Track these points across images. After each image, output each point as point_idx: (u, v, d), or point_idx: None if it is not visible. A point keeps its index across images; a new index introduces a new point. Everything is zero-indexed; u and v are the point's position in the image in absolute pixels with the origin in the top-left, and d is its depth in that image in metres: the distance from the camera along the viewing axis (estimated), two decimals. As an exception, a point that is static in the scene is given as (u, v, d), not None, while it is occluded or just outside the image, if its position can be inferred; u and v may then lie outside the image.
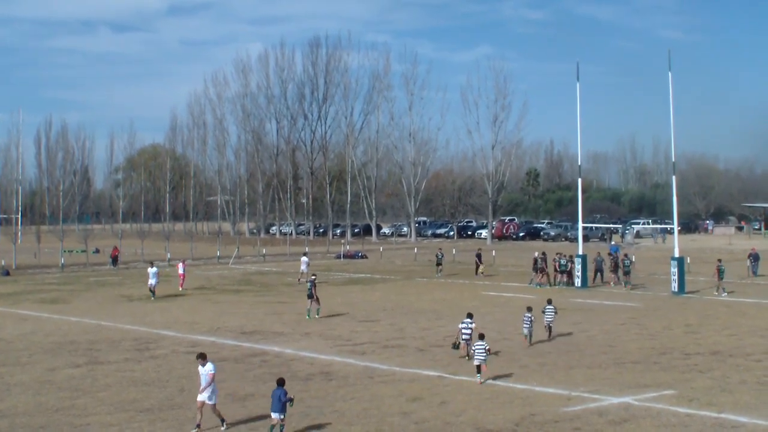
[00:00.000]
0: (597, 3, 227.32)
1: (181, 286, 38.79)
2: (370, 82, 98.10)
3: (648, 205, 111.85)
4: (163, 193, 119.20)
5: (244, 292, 38.13)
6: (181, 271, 39.45)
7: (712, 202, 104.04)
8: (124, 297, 36.15)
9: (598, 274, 40.30)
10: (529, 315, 22.78)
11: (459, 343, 20.80)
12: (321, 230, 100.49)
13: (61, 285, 42.19)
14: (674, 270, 36.07)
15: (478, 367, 18.20)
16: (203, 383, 14.68)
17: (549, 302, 24.30)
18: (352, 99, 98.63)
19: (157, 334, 25.49)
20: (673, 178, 39.53)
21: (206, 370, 14.69)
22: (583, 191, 44.92)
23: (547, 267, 40.23)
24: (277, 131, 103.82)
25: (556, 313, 23.98)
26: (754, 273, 43.83)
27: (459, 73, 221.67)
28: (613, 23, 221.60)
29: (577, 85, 40.87)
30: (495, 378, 18.46)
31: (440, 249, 51.16)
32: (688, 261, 42.76)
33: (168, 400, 16.77)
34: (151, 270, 35.52)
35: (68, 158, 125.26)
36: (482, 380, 18.22)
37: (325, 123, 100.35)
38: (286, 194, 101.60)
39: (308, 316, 28.87)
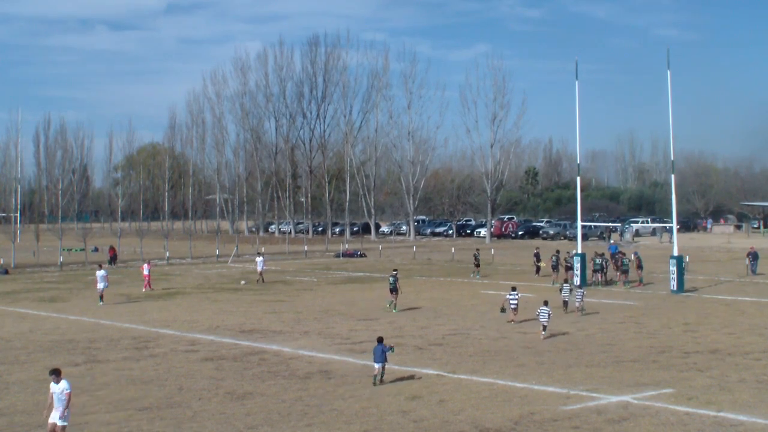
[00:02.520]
0: (593, 1, 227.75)
1: (148, 287, 37.76)
2: (369, 80, 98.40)
3: (647, 203, 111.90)
4: (162, 191, 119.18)
5: (242, 291, 38.11)
6: (146, 272, 38.22)
7: (711, 201, 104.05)
8: (123, 295, 36.10)
9: (595, 273, 40.05)
10: (581, 291, 29.66)
11: (505, 308, 27.00)
12: (320, 229, 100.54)
13: (60, 283, 42.17)
14: (673, 269, 36.05)
15: (544, 327, 23.65)
16: (57, 403, 13.06)
17: (565, 281, 31.54)
18: (350, 97, 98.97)
19: (156, 333, 25.48)
20: (672, 176, 39.48)
21: (60, 388, 13.09)
22: (582, 190, 44.88)
23: (558, 265, 40.30)
24: (276, 130, 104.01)
25: (571, 291, 29.66)
26: (753, 272, 43.87)
27: (456, 72, 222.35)
28: (609, 21, 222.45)
29: (576, 83, 40.91)
30: (493, 377, 18.49)
31: (477, 249, 48.42)
32: (687, 260, 42.79)
33: (167, 399, 16.75)
34: (99, 273, 33.18)
35: (67, 157, 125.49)
36: (545, 336, 23.58)
37: (324, 121, 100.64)
38: (285, 193, 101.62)
39: (393, 309, 29.96)
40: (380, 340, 18.06)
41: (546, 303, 24.07)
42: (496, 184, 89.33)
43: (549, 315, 23.79)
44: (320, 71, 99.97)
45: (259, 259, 42.82)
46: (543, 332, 23.65)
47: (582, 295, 29.03)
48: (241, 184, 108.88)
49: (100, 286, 32.94)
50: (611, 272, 39.85)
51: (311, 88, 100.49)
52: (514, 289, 27.15)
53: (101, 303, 32.50)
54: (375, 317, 28.60)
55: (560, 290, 29.83)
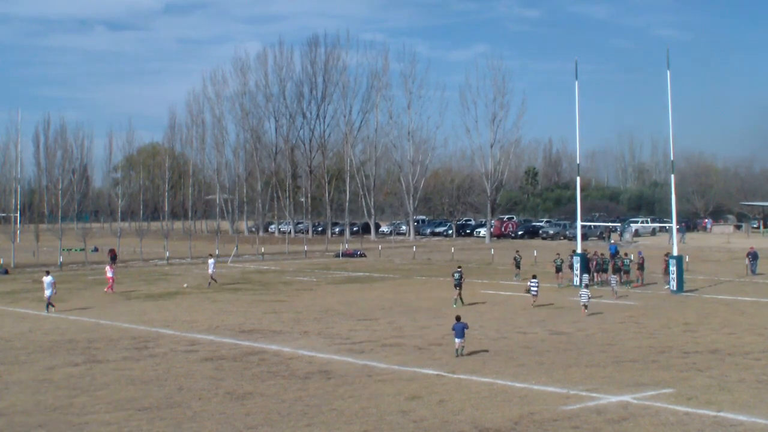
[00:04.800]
0: (591, 2, 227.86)
1: (110, 289, 36.73)
2: (369, 80, 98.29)
3: (647, 203, 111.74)
4: (162, 191, 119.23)
5: (242, 291, 38.11)
6: (109, 275, 37.26)
7: (711, 201, 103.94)
8: (123, 295, 36.12)
9: (595, 274, 39.88)
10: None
11: (530, 290, 31.02)
12: (320, 229, 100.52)
13: (60, 283, 41.95)
14: (673, 269, 36.03)
15: (584, 306, 28.62)
16: None
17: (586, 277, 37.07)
18: (350, 98, 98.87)
19: (156, 333, 25.48)
20: (672, 176, 39.41)
21: None
22: (582, 190, 44.82)
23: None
24: (276, 130, 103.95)
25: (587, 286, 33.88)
26: (753, 272, 43.85)
27: (455, 72, 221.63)
28: (607, 22, 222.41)
29: (576, 83, 40.88)
30: (494, 377, 18.50)
31: (518, 251, 46.18)
32: (687, 260, 42.76)
33: (166, 399, 16.75)
34: (47, 279, 30.92)
35: (67, 157, 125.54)
36: (587, 314, 28.17)
37: (324, 122, 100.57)
38: (285, 193, 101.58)
39: (455, 304, 31.27)
40: (458, 318, 21.04)
41: (586, 286, 30.92)
42: (495, 184, 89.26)
43: (588, 297, 29.06)
44: (320, 71, 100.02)
45: (210, 261, 41.40)
46: (585, 310, 28.52)
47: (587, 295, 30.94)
48: (240, 184, 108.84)
49: (47, 293, 30.67)
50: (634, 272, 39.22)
51: (311, 89, 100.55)
52: (534, 277, 31.77)
53: (47, 312, 30.22)
54: (375, 317, 28.60)
55: (581, 285, 33.60)
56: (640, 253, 41.55)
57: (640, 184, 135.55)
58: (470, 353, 21.02)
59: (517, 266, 43.37)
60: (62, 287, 40.00)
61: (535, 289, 30.73)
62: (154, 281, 43.12)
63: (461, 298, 31.76)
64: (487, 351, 21.73)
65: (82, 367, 20.08)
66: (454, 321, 21.08)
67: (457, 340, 20.68)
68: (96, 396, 17.06)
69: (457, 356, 20.54)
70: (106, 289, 37.09)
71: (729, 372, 18.87)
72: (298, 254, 64.02)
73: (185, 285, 40.37)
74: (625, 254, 41.07)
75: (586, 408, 15.72)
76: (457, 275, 32.05)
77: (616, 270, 38.23)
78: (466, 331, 20.76)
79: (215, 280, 40.55)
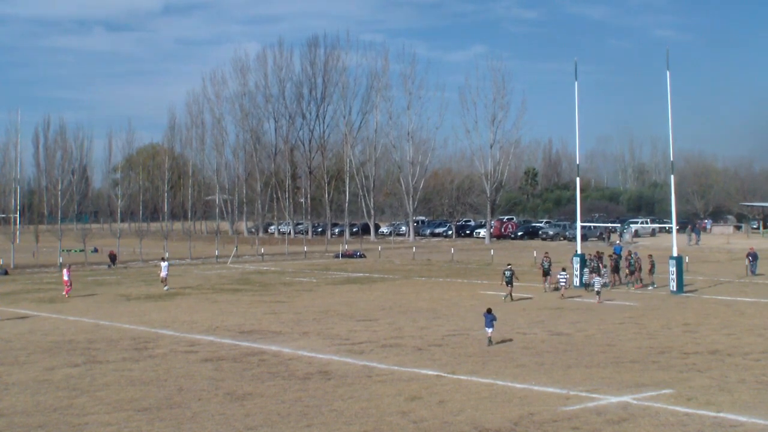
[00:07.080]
0: (590, 2, 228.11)
1: (66, 293, 35.79)
2: (368, 81, 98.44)
3: (646, 204, 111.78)
4: (162, 192, 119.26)
5: (242, 292, 38.10)
6: (65, 278, 36.31)
7: (711, 201, 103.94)
8: (123, 296, 36.11)
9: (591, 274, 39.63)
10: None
11: (557, 287, 34.03)
12: (319, 229, 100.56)
13: (60, 284, 42.05)
14: (672, 269, 36.02)
15: (598, 293, 31.62)
16: None
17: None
18: (350, 98, 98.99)
19: (156, 333, 25.46)
20: (672, 177, 39.43)
21: None
22: (582, 190, 44.83)
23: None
24: (276, 130, 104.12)
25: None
26: (753, 272, 43.85)
27: (453, 73, 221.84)
28: (606, 23, 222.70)
29: (576, 84, 40.88)
30: (494, 377, 18.50)
31: (547, 254, 39.52)
32: (687, 260, 42.76)
33: (166, 400, 16.74)
34: None
35: (66, 157, 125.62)
36: (600, 301, 31.23)
37: (324, 122, 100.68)
38: (285, 193, 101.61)
39: (504, 299, 32.67)
40: (489, 310, 22.43)
41: (599, 274, 33.69)
42: (495, 184, 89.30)
43: (601, 285, 31.70)
44: (319, 72, 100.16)
45: (163, 264, 40.33)
46: (598, 297, 31.27)
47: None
48: (240, 184, 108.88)
49: None
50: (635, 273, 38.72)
51: (310, 89, 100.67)
52: (564, 270, 34.42)
53: None
54: (374, 318, 28.58)
55: (592, 285, 33.98)
56: (636, 254, 41.51)
57: (640, 185, 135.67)
58: (498, 342, 22.72)
59: (545, 274, 37.13)
60: (62, 288, 39.97)
61: (564, 282, 33.52)
62: (154, 282, 43.09)
63: (511, 295, 32.99)
64: (511, 340, 23.24)
65: (81, 368, 20.06)
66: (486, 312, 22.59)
67: (488, 330, 22.24)
68: (96, 397, 17.05)
69: (489, 345, 22.09)
70: (65, 293, 35.83)
71: (729, 373, 18.86)
72: (297, 255, 64.01)
73: (166, 288, 38.99)
74: (629, 254, 41.00)
75: (585, 409, 15.71)
76: (508, 273, 33.23)
77: (616, 270, 38.37)
78: (494, 322, 22.20)
79: (164, 285, 39.03)
